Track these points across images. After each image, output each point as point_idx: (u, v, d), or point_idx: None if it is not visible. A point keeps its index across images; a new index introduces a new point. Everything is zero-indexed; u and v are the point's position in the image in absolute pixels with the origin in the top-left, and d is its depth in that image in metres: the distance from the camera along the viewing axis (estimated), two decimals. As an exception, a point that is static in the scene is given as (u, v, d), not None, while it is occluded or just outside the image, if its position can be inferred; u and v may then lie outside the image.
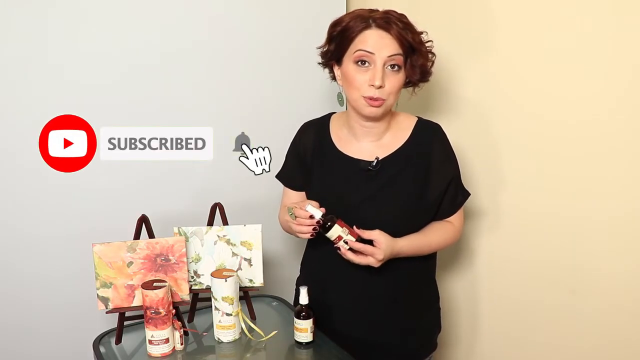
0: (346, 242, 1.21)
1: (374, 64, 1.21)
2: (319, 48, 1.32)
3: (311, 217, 1.21)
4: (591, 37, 1.29)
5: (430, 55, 1.27)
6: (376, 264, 1.22)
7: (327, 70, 1.35)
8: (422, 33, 1.25)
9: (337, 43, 1.26)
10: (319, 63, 1.34)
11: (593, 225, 1.35)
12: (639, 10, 1.20)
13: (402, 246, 1.25)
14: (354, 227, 1.22)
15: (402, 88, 1.28)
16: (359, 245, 1.21)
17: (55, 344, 1.51)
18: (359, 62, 1.22)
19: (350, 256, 1.21)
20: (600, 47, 1.27)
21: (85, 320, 1.46)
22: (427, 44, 1.26)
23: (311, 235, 1.23)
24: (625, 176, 1.28)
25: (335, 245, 1.22)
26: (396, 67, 1.22)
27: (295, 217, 1.23)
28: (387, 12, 1.23)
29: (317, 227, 1.21)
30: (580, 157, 1.35)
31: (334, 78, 1.33)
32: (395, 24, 1.21)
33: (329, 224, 1.20)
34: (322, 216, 1.21)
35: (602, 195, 1.32)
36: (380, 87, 1.20)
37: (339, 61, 1.28)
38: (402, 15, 1.23)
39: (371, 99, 1.21)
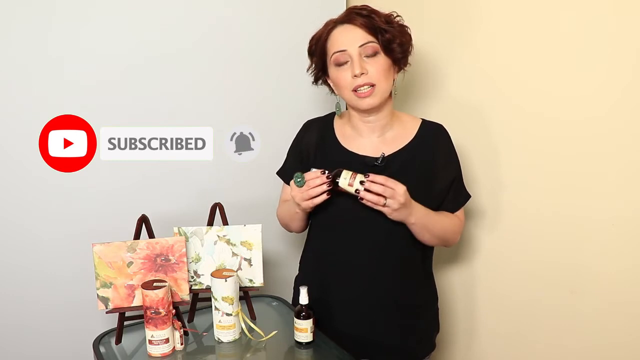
0: (362, 183, 1.18)
1: (351, 59, 1.23)
2: (308, 70, 1.36)
3: (322, 172, 1.20)
4: (591, 34, 1.29)
5: (405, 29, 1.28)
6: (401, 198, 1.17)
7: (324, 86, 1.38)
8: (390, 14, 1.27)
9: (317, 55, 1.31)
10: (313, 82, 1.37)
11: (593, 224, 1.35)
12: (638, 8, 1.21)
13: (415, 206, 1.23)
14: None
15: (395, 73, 1.29)
16: (381, 179, 1.17)
17: (55, 344, 1.51)
18: (338, 64, 1.25)
19: (376, 188, 1.17)
20: (600, 44, 1.27)
21: (85, 320, 1.47)
22: (396, 19, 1.27)
23: (327, 195, 1.21)
24: (625, 175, 1.28)
25: (355, 192, 1.19)
26: (373, 53, 1.24)
27: (305, 181, 1.21)
28: (349, 8, 1.27)
29: (329, 183, 1.19)
30: (579, 156, 1.35)
31: (332, 91, 1.36)
32: (357, 14, 1.24)
33: (337, 177, 1.20)
34: (328, 171, 1.20)
35: (602, 195, 1.32)
36: (363, 74, 1.22)
37: (325, 72, 1.32)
38: (364, 5, 1.26)
39: (360, 89, 1.23)
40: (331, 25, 1.27)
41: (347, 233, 1.32)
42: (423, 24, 1.28)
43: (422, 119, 1.37)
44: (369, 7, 1.25)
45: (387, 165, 1.30)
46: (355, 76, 1.22)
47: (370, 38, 1.23)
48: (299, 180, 1.22)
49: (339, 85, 1.27)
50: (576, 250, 1.39)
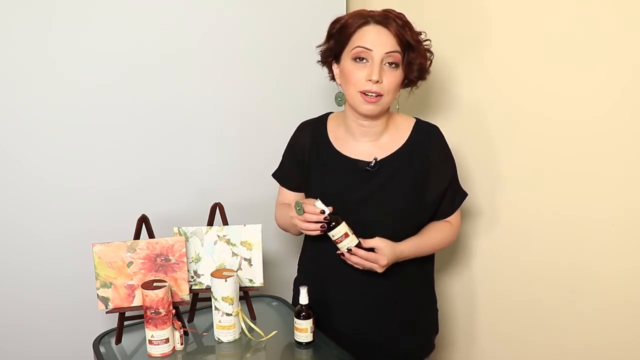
0: (349, 250, 1.21)
1: (371, 60, 1.22)
2: (319, 46, 1.33)
3: (322, 212, 1.21)
4: (590, 35, 1.29)
5: (428, 54, 1.28)
6: (380, 270, 1.23)
7: (326, 70, 1.35)
8: (420, 33, 1.26)
9: (336, 40, 1.27)
10: (318, 61, 1.35)
11: (592, 224, 1.35)
12: (638, 8, 1.21)
13: (403, 249, 1.26)
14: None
15: (401, 88, 1.28)
16: (362, 253, 1.21)
17: (55, 344, 1.51)
18: (357, 59, 1.23)
19: (355, 260, 1.22)
20: (600, 45, 1.28)
21: (85, 320, 1.47)
22: (425, 43, 1.27)
23: (320, 232, 1.22)
24: (625, 175, 1.28)
25: (339, 252, 1.22)
26: (394, 64, 1.23)
27: (304, 212, 1.22)
28: (387, 10, 1.24)
29: (325, 225, 1.21)
30: (578, 156, 1.35)
31: (332, 78, 1.34)
32: (394, 21, 1.22)
33: (333, 223, 1.20)
34: (329, 214, 1.21)
35: (601, 195, 1.33)
36: (378, 82, 1.21)
37: (337, 58, 1.29)
38: (401, 14, 1.24)
39: (368, 95, 1.22)
40: (365, 19, 1.23)
41: None
42: (423, 24, 1.28)
43: (416, 119, 1.36)
44: (405, 17, 1.24)
45: (379, 170, 1.30)
46: (369, 80, 1.21)
47: (398, 48, 1.22)
48: (298, 209, 1.23)
49: (348, 79, 1.25)
50: (576, 250, 1.39)
